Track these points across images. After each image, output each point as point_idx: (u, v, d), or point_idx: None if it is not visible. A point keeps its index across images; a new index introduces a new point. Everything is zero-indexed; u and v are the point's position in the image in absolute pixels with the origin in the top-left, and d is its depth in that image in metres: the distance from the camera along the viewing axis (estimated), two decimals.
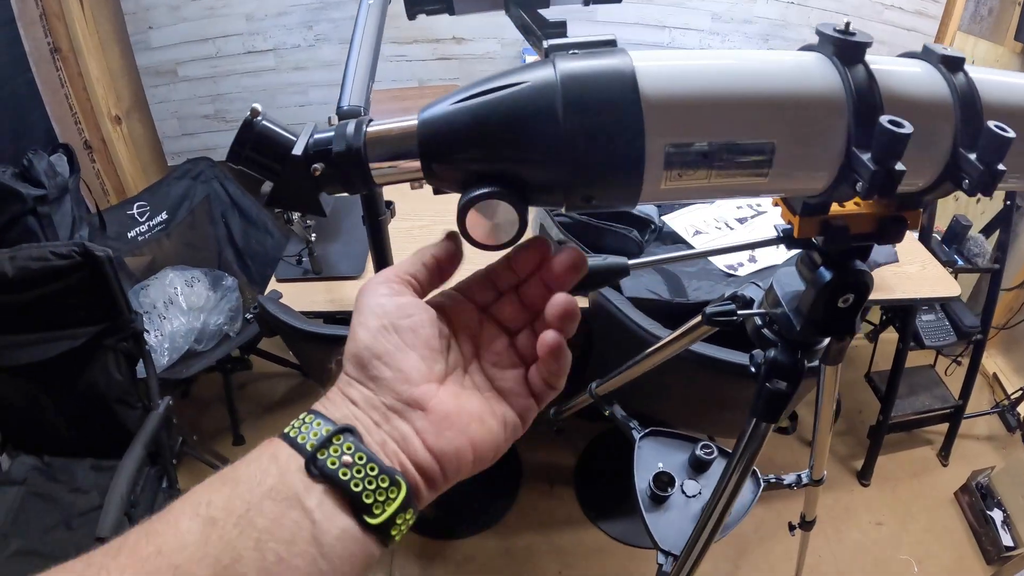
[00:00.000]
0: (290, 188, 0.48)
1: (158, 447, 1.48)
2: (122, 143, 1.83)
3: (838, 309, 0.64)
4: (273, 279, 1.43)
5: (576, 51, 0.43)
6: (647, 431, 1.22)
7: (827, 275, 0.61)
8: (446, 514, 1.85)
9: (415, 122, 0.45)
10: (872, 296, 1.68)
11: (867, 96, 0.44)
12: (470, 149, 0.43)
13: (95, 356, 1.45)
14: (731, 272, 1.46)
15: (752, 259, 1.52)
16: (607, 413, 1.25)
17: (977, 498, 1.89)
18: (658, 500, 1.13)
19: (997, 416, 2.20)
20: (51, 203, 1.58)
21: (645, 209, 1.47)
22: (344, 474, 0.33)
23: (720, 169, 0.45)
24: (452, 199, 0.48)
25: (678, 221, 1.54)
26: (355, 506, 0.33)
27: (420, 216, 1.58)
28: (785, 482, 1.25)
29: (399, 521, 0.34)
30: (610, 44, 0.44)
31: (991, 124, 0.43)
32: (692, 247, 1.53)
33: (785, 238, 0.63)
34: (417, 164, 0.45)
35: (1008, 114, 0.48)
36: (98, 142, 1.80)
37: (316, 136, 0.48)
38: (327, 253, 1.45)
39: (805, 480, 1.27)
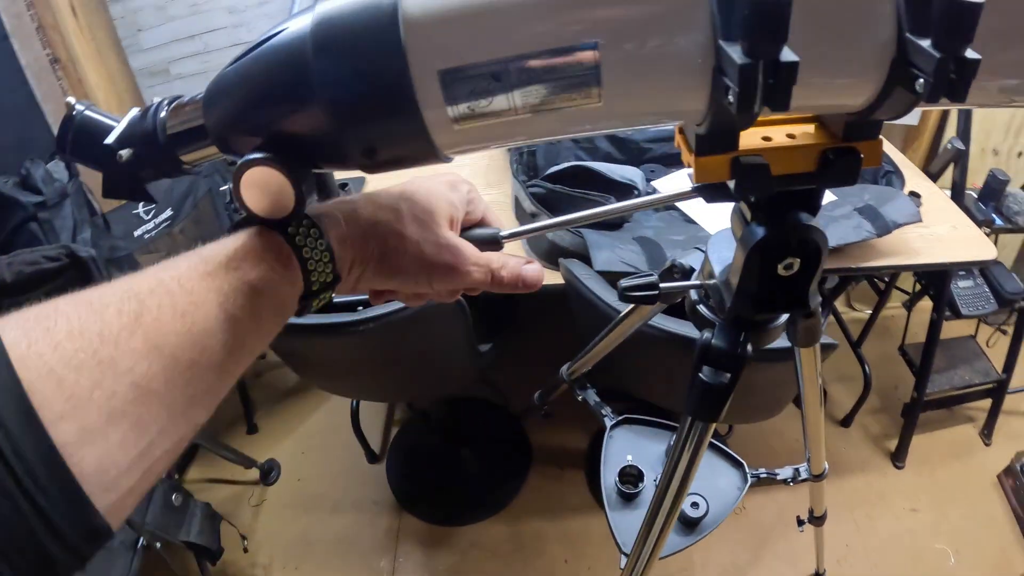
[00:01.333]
0: (116, 177, 0.46)
1: None
2: None
3: (779, 278, 0.52)
4: None
5: None
6: (620, 419, 1.15)
7: (759, 233, 0.49)
8: (452, 499, 1.83)
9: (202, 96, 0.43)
10: (896, 261, 1.55)
11: None
12: (240, 112, 0.40)
13: None
14: None
15: None
16: (580, 399, 1.19)
17: (1022, 481, 1.73)
18: (626, 497, 1.07)
19: None
20: (50, 209, 1.63)
21: (627, 174, 1.39)
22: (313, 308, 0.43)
23: (534, 96, 0.35)
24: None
25: (668, 186, 1.45)
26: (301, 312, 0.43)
27: None
28: (779, 477, 1.16)
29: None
30: None
31: None
32: (687, 216, 1.45)
33: (702, 188, 0.47)
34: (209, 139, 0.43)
35: None
36: None
37: (130, 120, 0.46)
38: None
39: (804, 475, 1.17)
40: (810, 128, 0.45)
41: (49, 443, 0.26)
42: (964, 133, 1.68)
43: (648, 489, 1.04)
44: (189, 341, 0.33)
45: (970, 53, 0.31)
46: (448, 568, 1.68)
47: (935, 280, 1.74)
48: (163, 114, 0.45)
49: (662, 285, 0.67)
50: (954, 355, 1.91)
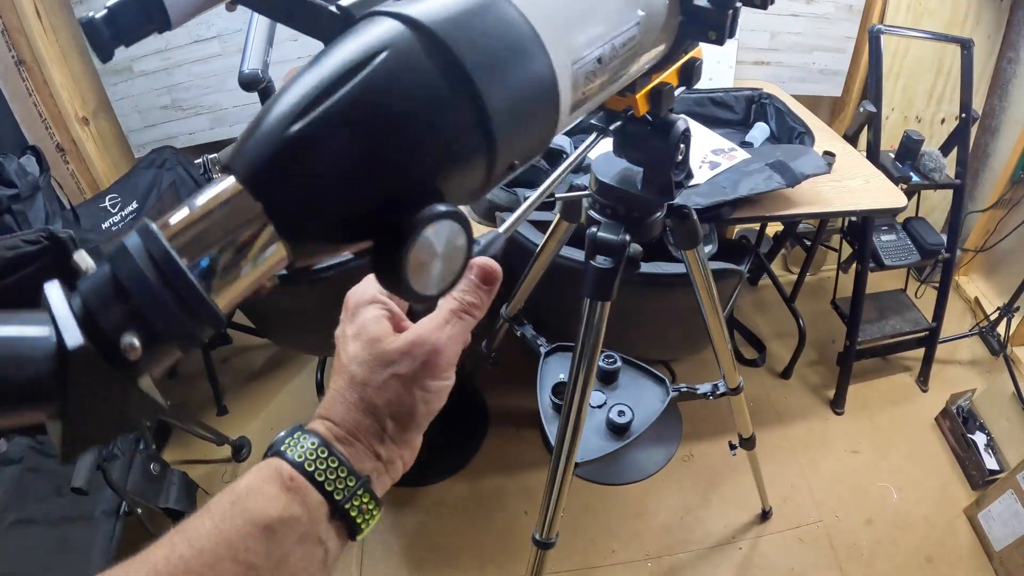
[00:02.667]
0: (93, 409, 0.27)
1: None
2: (91, 143, 1.96)
3: (680, 163, 0.70)
4: None
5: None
6: (553, 347, 1.26)
7: (666, 138, 0.67)
8: (415, 461, 1.92)
9: (231, 184, 0.30)
10: (810, 209, 1.68)
11: None
12: (357, 179, 0.30)
13: None
14: None
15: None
16: (519, 334, 1.29)
17: (958, 422, 1.85)
18: (560, 409, 1.17)
19: (980, 340, 2.14)
20: (24, 201, 1.71)
21: (556, 140, 1.51)
22: (360, 521, 0.39)
23: (612, 69, 0.46)
24: None
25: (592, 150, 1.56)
26: (353, 532, 0.40)
27: None
28: (699, 391, 1.26)
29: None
30: None
31: None
32: None
33: (606, 127, 0.68)
34: (277, 243, 0.31)
35: None
36: (69, 144, 1.93)
37: (86, 295, 0.27)
38: None
39: (722, 389, 1.27)
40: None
41: None
42: (876, 97, 1.82)
43: None
44: None
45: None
46: (415, 526, 1.77)
47: (858, 233, 1.86)
48: (163, 240, 0.27)
49: (558, 195, 0.85)
50: (885, 306, 2.03)
